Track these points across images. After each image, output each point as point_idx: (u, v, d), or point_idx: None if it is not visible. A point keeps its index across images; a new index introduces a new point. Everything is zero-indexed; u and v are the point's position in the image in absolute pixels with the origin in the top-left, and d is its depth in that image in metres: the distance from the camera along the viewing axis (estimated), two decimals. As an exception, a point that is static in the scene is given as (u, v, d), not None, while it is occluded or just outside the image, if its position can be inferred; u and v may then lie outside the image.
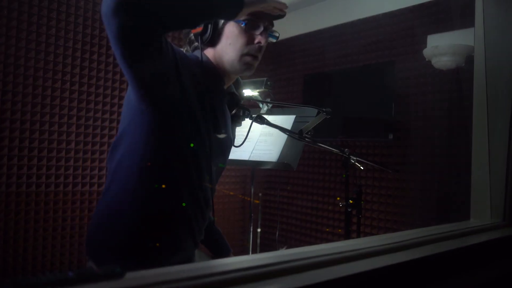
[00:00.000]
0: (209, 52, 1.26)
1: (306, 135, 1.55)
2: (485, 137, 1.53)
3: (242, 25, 1.18)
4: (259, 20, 1.20)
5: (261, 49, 1.22)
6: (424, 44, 2.78)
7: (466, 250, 1.12)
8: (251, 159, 2.19)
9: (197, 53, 1.25)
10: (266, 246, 3.54)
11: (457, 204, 2.54)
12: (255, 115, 1.47)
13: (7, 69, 2.47)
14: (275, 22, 1.26)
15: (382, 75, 2.96)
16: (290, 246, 3.55)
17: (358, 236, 1.88)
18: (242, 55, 1.20)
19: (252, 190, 2.75)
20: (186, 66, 1.16)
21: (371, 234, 3.04)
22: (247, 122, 1.45)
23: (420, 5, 2.88)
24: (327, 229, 3.38)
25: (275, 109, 2.44)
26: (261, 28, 1.20)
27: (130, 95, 1.14)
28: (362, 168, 1.77)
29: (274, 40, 1.28)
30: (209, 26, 1.21)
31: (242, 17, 1.16)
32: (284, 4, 1.19)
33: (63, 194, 2.68)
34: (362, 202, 1.80)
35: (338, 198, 3.27)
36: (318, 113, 1.61)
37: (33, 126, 2.57)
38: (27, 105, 2.54)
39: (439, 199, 2.74)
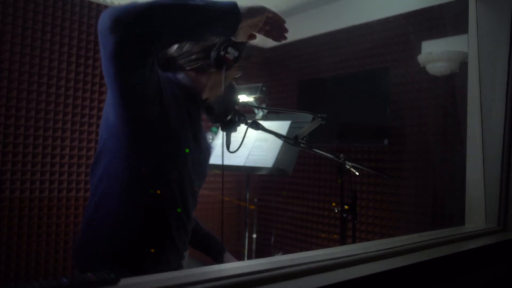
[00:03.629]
0: (190, 74, 1.29)
1: (301, 141, 1.55)
2: (479, 142, 1.53)
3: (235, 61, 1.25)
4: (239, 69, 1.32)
5: None
6: (418, 50, 2.80)
7: (461, 255, 1.13)
8: (246, 164, 2.19)
9: (178, 74, 1.27)
10: (261, 252, 3.52)
11: (452, 210, 2.55)
12: (250, 121, 1.47)
13: (2, 73, 2.46)
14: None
15: (376, 81, 2.97)
16: (285, 252, 3.54)
17: (354, 242, 1.88)
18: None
19: (247, 196, 2.74)
20: (168, 86, 1.18)
21: (367, 239, 3.03)
22: (242, 127, 1.45)
23: (414, 11, 2.90)
24: (323, 235, 3.38)
25: (270, 115, 2.45)
26: (240, 74, 1.35)
27: (108, 113, 1.15)
28: (357, 173, 1.77)
29: None
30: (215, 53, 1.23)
31: (242, 36, 1.15)
32: (280, 16, 1.19)
33: (57, 199, 2.66)
34: (358, 208, 1.80)
35: (334, 204, 3.27)
36: (313, 119, 1.62)
37: (27, 131, 2.55)
38: (21, 110, 2.53)
39: (434, 204, 2.74)
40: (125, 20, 0.93)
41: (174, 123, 1.18)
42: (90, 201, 1.24)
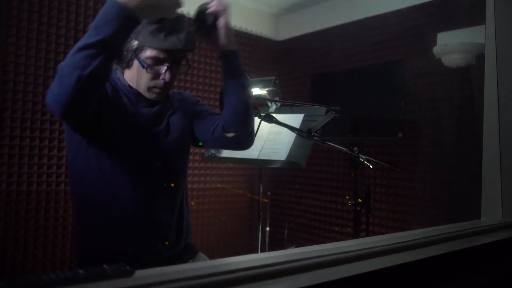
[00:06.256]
0: (126, 75, 1.35)
1: (315, 134, 1.55)
2: (496, 135, 1.51)
3: (145, 67, 1.27)
4: (163, 62, 1.29)
5: (166, 84, 1.32)
6: (433, 42, 2.76)
7: (477, 249, 1.11)
8: (259, 157, 2.19)
9: (117, 73, 1.37)
10: (274, 245, 3.53)
11: (468, 203, 2.52)
12: (263, 114, 1.47)
13: (18, 69, 2.49)
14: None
15: (391, 73, 2.94)
16: (298, 245, 3.54)
17: (367, 235, 1.87)
18: (150, 88, 1.32)
19: (261, 189, 2.74)
20: (114, 98, 1.30)
21: (380, 233, 3.02)
22: (255, 121, 1.45)
23: (429, 2, 2.86)
24: (336, 228, 3.37)
25: (283, 108, 2.44)
26: (165, 68, 1.29)
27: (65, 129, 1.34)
28: (371, 167, 1.76)
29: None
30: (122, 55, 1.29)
31: (151, 15, 1.14)
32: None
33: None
34: (371, 201, 1.79)
35: (348, 197, 3.26)
36: (326, 112, 1.61)
37: (43, 125, 2.58)
38: (37, 104, 2.56)
39: (449, 198, 2.72)
40: (53, 103, 1.10)
41: (115, 127, 1.28)
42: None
